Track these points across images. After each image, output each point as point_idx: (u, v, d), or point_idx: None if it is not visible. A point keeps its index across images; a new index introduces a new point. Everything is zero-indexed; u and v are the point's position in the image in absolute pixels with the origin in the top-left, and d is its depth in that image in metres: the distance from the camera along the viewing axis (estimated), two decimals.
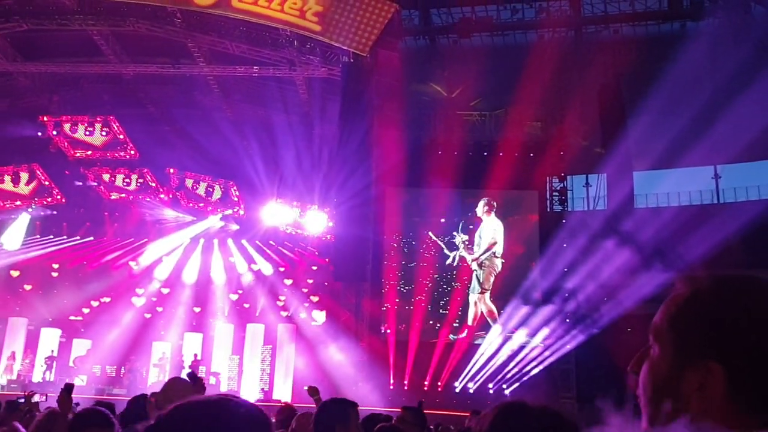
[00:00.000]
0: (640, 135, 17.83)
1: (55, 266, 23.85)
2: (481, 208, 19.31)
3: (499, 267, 19.14)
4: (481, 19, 19.72)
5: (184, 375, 19.61)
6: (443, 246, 19.35)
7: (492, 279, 19.12)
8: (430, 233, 19.45)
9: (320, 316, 21.77)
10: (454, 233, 19.42)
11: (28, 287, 23.70)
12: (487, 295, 19.15)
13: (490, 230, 19.29)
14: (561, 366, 18.76)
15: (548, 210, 20.56)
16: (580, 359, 18.65)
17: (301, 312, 22.18)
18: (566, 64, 18.65)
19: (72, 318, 23.25)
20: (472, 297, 19.18)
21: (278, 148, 21.56)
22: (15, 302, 23.62)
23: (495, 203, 19.29)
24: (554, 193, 20.63)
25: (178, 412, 1.36)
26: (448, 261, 19.24)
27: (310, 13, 17.02)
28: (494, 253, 19.16)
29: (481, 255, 19.11)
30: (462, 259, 19.28)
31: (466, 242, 19.30)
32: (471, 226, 19.63)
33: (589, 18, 19.82)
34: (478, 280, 19.06)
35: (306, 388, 6.60)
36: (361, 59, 17.42)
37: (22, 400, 6.50)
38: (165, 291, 23.58)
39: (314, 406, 5.06)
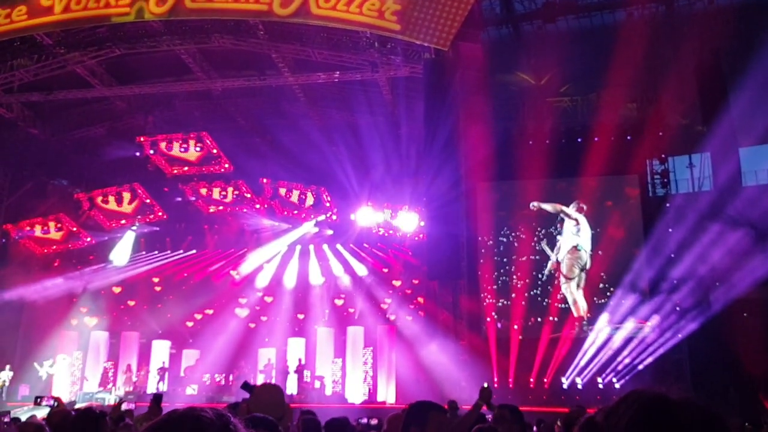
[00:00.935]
0: (743, 109, 16.74)
1: (155, 279, 24.83)
2: (572, 209, 19.17)
3: (585, 258, 18.99)
4: (565, 2, 19.04)
5: (290, 380, 20.06)
6: (550, 253, 19.18)
7: (576, 269, 18.93)
8: (543, 244, 19.30)
9: (418, 316, 21.64)
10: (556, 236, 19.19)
11: (131, 303, 24.81)
12: (573, 284, 18.73)
13: (572, 228, 19.19)
14: (672, 356, 17.87)
15: (650, 194, 19.65)
16: (693, 348, 17.67)
17: (399, 313, 22.13)
18: (659, 40, 17.70)
19: (187, 324, 24.10)
20: (566, 288, 18.96)
21: (366, 150, 21.58)
22: (126, 317, 24.74)
23: (585, 206, 19.20)
24: (655, 176, 19.68)
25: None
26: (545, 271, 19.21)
27: (389, 12, 16.87)
28: (575, 247, 19.04)
29: (559, 254, 19.22)
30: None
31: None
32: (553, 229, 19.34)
33: None
34: (563, 273, 19.10)
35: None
36: (443, 54, 17.13)
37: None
38: (268, 299, 24.10)
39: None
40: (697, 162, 20.31)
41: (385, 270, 23.25)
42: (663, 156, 19.69)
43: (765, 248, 16.98)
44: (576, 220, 19.22)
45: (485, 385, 6.18)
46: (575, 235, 19.21)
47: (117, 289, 24.84)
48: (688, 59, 17.77)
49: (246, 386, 4.39)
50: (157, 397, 6.08)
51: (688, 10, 18.77)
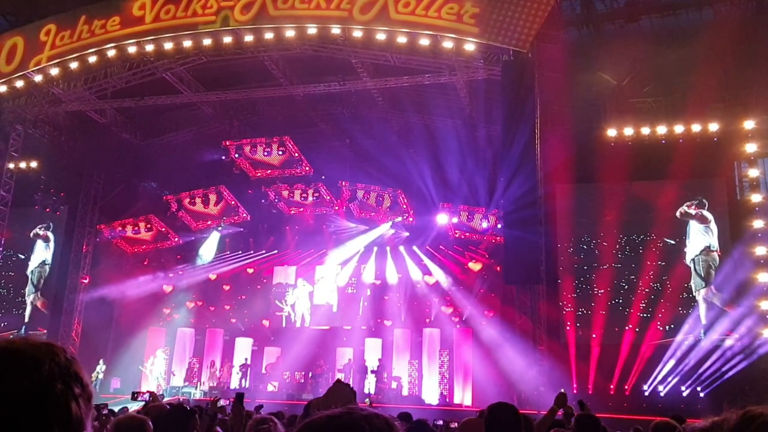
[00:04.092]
0: None
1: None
2: (687, 208, 18.76)
3: (717, 260, 18.42)
4: (648, 1, 18.60)
5: (369, 379, 20.32)
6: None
7: (713, 272, 18.38)
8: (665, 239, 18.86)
9: (495, 320, 21.53)
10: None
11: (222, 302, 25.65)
12: (705, 290, 18.31)
13: (700, 227, 18.67)
14: (762, 364, 17.14)
15: (738, 198, 18.96)
16: None
17: (476, 316, 22.07)
18: (748, 37, 17.06)
19: (263, 323, 24.75)
20: (699, 295, 18.46)
21: (443, 153, 21.65)
22: (211, 314, 25.60)
23: (706, 201, 18.66)
24: (744, 179, 18.96)
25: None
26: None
27: (467, 16, 16.88)
28: (709, 248, 18.45)
29: (694, 253, 18.68)
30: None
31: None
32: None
33: None
34: (700, 276, 18.47)
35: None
36: (522, 56, 17.00)
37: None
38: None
39: None
40: None
41: (461, 272, 23.22)
42: (752, 158, 18.96)
43: None
44: (705, 218, 18.70)
45: (562, 390, 6.22)
46: (705, 234, 18.67)
47: (213, 275, 25.68)
48: None
49: (338, 384, 4.54)
50: (240, 396, 6.34)
51: None
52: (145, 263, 26.07)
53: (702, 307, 18.24)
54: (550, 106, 18.17)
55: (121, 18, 19.15)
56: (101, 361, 22.70)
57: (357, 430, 1.36)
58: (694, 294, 18.47)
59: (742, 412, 1.45)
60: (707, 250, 18.44)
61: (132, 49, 19.28)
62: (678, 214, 18.83)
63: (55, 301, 23.64)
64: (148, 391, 7.26)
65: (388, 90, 21.24)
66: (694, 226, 18.73)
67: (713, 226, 18.53)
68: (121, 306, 24.58)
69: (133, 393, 8.84)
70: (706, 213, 18.61)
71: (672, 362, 17.95)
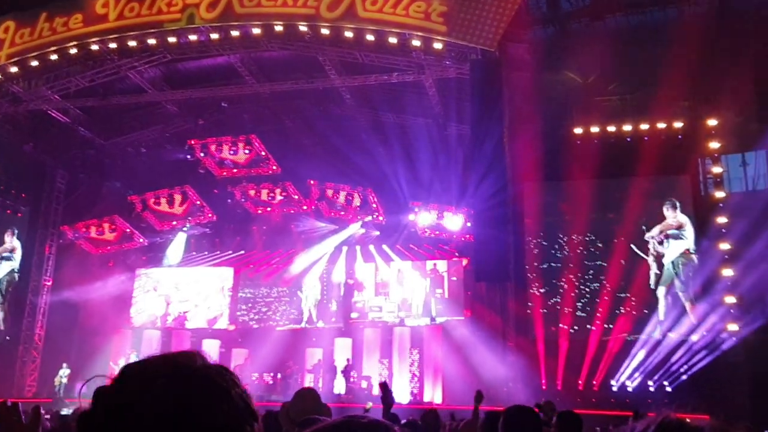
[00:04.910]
0: None
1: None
2: (665, 209, 18.89)
3: (696, 261, 18.53)
4: None
5: (339, 379, 20.20)
6: (640, 253, 18.89)
7: (690, 275, 18.49)
8: (632, 246, 18.99)
9: (465, 318, 21.59)
10: (647, 234, 18.93)
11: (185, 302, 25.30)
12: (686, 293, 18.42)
13: (676, 232, 18.86)
14: (728, 359, 17.43)
15: (703, 194, 19.27)
16: (751, 350, 17.24)
17: (446, 314, 22.09)
18: (712, 37, 17.32)
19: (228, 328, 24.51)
20: (661, 290, 18.62)
21: (413, 151, 21.62)
22: (177, 316, 25.25)
23: (678, 202, 18.80)
24: (708, 176, 19.27)
25: None
26: (652, 266, 18.78)
27: (435, 14, 16.87)
28: (688, 250, 18.61)
29: (673, 257, 18.79)
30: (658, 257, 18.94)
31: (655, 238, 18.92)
32: (644, 227, 19.03)
33: None
34: (678, 277, 18.52)
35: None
36: (490, 55, 17.05)
37: None
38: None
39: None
40: (751, 160, 19.83)
41: (431, 271, 23.20)
42: (716, 155, 19.27)
43: None
44: (681, 223, 18.88)
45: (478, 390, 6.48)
46: (682, 239, 18.78)
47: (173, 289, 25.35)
48: (743, 55, 17.35)
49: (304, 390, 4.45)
50: None
51: (743, 4, 18.33)
52: (110, 265, 25.61)
53: (662, 304, 18.48)
54: (518, 104, 18.27)
55: (83, 16, 18.78)
56: (65, 365, 22.22)
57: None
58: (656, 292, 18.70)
59: (660, 419, 1.45)
60: (686, 252, 18.64)
61: (95, 48, 18.92)
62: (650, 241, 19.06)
63: (17, 303, 23.11)
64: None
65: (357, 88, 21.14)
66: (671, 233, 18.94)
67: (689, 227, 18.74)
68: (86, 308, 24.08)
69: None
70: (680, 216, 18.81)
71: (639, 358, 18.18)
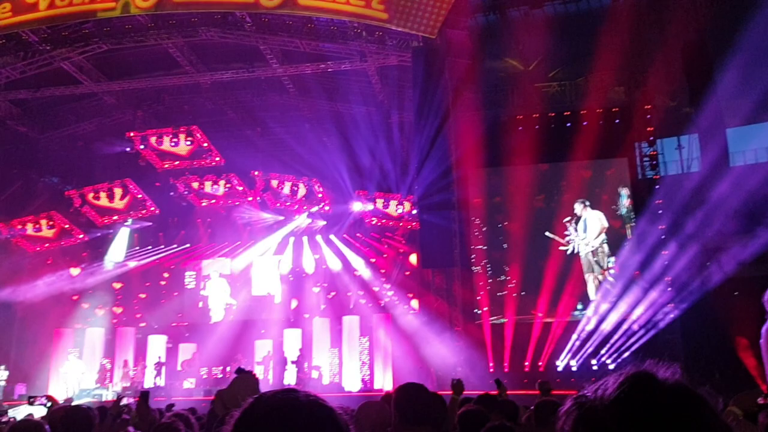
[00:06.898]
0: (729, 90, 16.87)
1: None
2: (579, 208, 19.52)
3: (607, 249, 19.43)
4: None
5: (289, 370, 20.14)
6: (559, 239, 19.49)
7: (606, 259, 19.32)
8: (547, 233, 19.54)
9: (413, 305, 21.76)
10: (568, 227, 19.52)
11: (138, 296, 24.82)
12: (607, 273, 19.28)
13: (596, 219, 19.52)
14: (665, 336, 18.05)
15: (640, 177, 19.81)
16: (685, 328, 17.89)
17: (394, 301, 22.22)
18: (645, 23, 17.78)
19: (174, 324, 24.14)
20: (590, 276, 19.31)
21: (357, 140, 21.62)
22: (122, 313, 24.75)
23: (588, 202, 19.51)
24: (644, 159, 19.82)
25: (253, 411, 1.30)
26: (568, 251, 19.45)
27: (376, 2, 16.87)
28: (605, 240, 19.44)
29: (594, 242, 19.52)
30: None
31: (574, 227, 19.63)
32: (566, 220, 19.57)
33: None
34: (599, 264, 19.37)
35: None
36: (432, 42, 17.16)
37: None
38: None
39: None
40: (685, 143, 20.49)
41: (378, 259, 23.29)
42: (651, 138, 19.83)
43: (754, 227, 17.15)
44: (580, 217, 19.58)
45: (459, 378, 6.67)
46: (600, 220, 19.61)
47: (117, 285, 24.80)
48: (674, 41, 17.84)
49: (239, 371, 4.48)
50: (144, 395, 6.19)
51: None
52: (49, 262, 24.86)
53: (591, 287, 19.11)
54: (459, 91, 18.43)
55: (12, 5, 18.14)
56: (2, 367, 21.52)
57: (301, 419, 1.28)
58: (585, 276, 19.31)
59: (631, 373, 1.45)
60: (603, 230, 19.36)
61: (26, 38, 18.32)
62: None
63: None
64: (45, 395, 6.88)
65: (299, 77, 21.01)
66: (592, 220, 19.50)
67: (593, 224, 19.48)
68: (24, 308, 23.35)
69: (29, 397, 8.36)
70: (587, 212, 19.58)
71: (582, 337, 18.62)
